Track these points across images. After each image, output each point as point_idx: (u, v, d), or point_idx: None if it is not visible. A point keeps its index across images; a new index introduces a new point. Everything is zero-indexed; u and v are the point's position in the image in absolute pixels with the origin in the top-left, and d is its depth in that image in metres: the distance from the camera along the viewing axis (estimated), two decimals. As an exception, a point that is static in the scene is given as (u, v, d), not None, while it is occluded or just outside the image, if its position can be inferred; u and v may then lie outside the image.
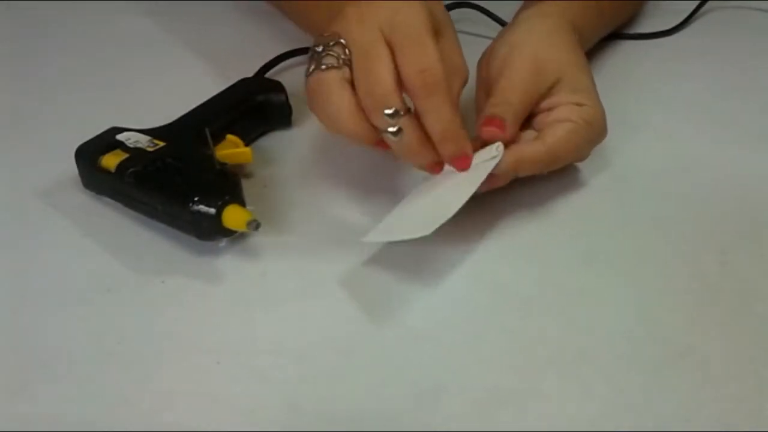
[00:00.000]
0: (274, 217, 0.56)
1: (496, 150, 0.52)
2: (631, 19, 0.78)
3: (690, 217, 0.56)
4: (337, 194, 0.58)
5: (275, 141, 0.64)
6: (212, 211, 0.51)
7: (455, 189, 0.51)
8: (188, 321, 0.49)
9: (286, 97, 0.64)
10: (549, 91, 0.55)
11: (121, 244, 0.54)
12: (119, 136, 0.57)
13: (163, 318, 0.49)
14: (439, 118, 0.49)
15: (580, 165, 0.59)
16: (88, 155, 0.56)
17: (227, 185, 0.53)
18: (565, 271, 0.52)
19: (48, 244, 0.55)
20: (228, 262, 0.53)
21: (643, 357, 0.46)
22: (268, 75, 0.69)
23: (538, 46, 0.55)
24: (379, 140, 0.50)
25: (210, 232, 0.52)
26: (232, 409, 0.44)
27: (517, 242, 0.54)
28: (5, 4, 0.85)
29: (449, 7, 0.74)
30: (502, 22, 0.74)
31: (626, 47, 0.74)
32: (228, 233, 0.52)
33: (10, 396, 0.45)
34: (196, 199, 0.51)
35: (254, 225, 0.51)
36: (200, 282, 0.51)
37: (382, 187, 0.58)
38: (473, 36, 0.73)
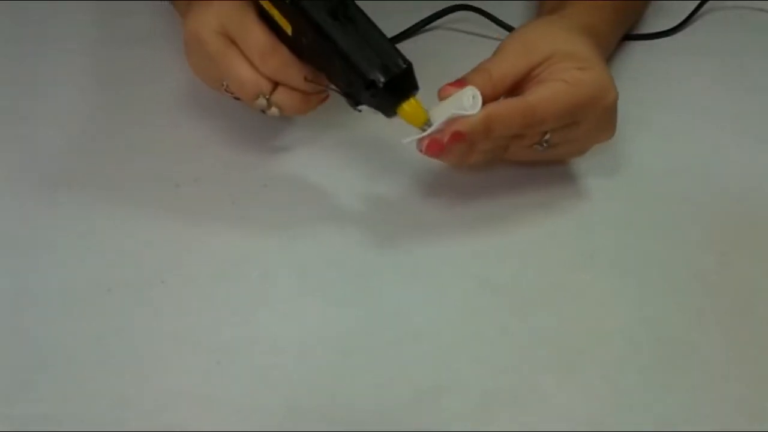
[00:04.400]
0: (274, 217, 0.56)
1: (471, 98, 0.49)
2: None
3: (690, 217, 0.56)
4: (338, 194, 0.58)
5: (275, 140, 0.64)
6: (404, 66, 0.47)
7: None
8: (188, 321, 0.49)
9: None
10: (542, 63, 0.52)
11: (121, 244, 0.54)
12: None
13: (163, 318, 0.49)
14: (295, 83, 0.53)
15: (579, 164, 0.59)
16: None
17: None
18: (565, 271, 0.52)
19: (48, 244, 0.55)
20: (228, 262, 0.53)
21: (643, 357, 0.46)
22: (268, 75, 0.69)
23: (531, 30, 0.55)
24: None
25: (385, 93, 0.47)
26: (232, 409, 0.44)
27: (517, 242, 0.54)
28: (5, 4, 0.85)
29: (449, 10, 0.74)
30: (500, 23, 0.74)
31: (627, 47, 0.74)
32: (389, 110, 0.49)
33: (10, 396, 0.45)
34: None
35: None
36: (200, 282, 0.51)
37: (383, 186, 0.58)
38: (473, 36, 0.73)
